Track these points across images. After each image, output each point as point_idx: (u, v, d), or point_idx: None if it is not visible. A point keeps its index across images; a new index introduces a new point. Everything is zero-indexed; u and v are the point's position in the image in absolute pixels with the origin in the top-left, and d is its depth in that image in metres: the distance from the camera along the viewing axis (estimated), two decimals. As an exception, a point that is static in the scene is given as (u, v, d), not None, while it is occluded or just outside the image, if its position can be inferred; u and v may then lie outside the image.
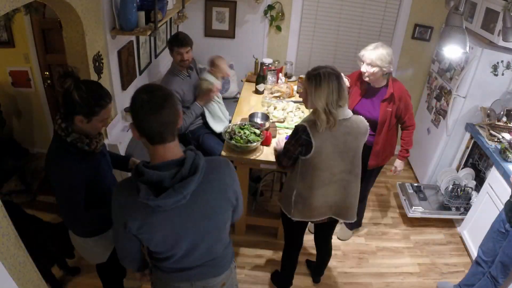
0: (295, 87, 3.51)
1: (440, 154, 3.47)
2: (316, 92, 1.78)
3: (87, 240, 1.80)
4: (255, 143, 2.54)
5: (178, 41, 2.81)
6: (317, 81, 1.77)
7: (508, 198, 2.31)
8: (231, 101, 3.66)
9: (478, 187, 3.09)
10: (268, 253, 2.92)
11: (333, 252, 2.56)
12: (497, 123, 3.03)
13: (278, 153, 2.13)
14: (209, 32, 3.81)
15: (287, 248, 2.43)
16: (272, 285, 2.69)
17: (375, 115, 2.48)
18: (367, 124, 1.96)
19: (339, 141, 1.86)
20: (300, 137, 1.86)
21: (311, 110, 1.90)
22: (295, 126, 1.92)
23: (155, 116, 1.14)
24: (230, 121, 3.13)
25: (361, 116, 1.98)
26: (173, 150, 1.22)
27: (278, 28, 3.75)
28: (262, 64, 3.49)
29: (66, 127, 1.53)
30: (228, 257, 1.52)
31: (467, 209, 3.12)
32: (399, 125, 2.66)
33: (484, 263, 2.44)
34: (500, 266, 2.27)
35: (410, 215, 3.22)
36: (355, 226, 3.15)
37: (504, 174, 2.61)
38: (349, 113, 1.88)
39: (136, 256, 1.44)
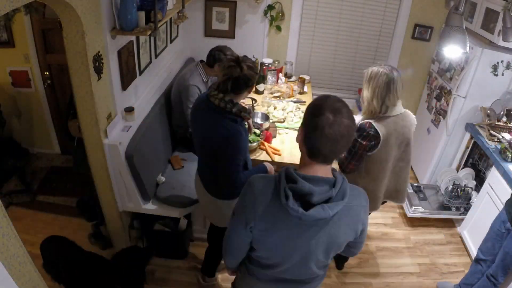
0: (295, 87, 3.51)
1: (440, 154, 3.47)
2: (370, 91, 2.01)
3: (229, 202, 2.03)
4: (255, 143, 2.54)
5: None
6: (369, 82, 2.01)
7: (509, 197, 2.31)
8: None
9: (478, 187, 3.09)
10: (268, 253, 2.92)
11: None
12: (497, 123, 3.03)
13: (343, 159, 2.15)
14: (209, 32, 3.81)
15: None
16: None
17: None
18: (414, 117, 2.16)
19: (399, 133, 2.05)
20: (368, 133, 2.00)
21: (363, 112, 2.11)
22: (359, 125, 2.02)
23: (331, 143, 1.11)
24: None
25: (409, 110, 2.15)
26: (326, 170, 1.20)
27: (278, 28, 3.75)
28: (262, 64, 3.49)
29: (230, 100, 1.82)
30: (321, 277, 1.47)
31: (467, 209, 3.12)
32: None
33: (483, 262, 2.45)
34: (501, 265, 2.28)
35: (410, 215, 3.22)
36: None
37: (504, 174, 2.61)
38: (401, 108, 2.08)
39: (243, 253, 1.40)
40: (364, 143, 2.02)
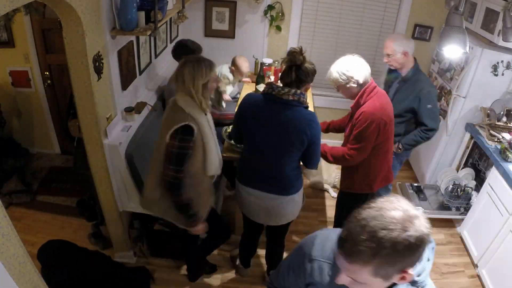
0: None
1: (440, 154, 3.47)
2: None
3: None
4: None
5: (191, 51, 2.76)
6: None
7: None
8: (231, 101, 3.66)
9: (478, 187, 3.09)
10: (268, 253, 2.92)
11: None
12: (497, 123, 3.03)
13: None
14: (209, 32, 3.81)
15: None
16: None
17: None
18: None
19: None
20: None
21: None
22: None
23: None
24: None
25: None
26: None
27: (278, 28, 3.75)
28: (262, 64, 3.49)
29: (301, 92, 1.91)
30: None
31: (467, 209, 3.12)
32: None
33: None
34: None
35: (410, 215, 3.21)
36: None
37: (504, 174, 2.61)
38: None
39: None
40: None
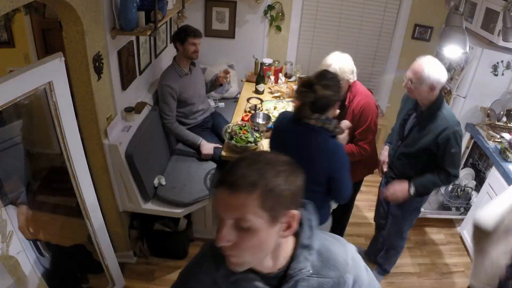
0: (295, 87, 3.51)
1: (440, 154, 3.47)
2: None
3: None
4: (253, 144, 2.54)
5: (192, 32, 2.80)
6: None
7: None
8: (231, 101, 3.66)
9: (478, 187, 3.09)
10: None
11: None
12: (497, 123, 3.03)
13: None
14: (209, 32, 3.81)
15: None
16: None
17: None
18: None
19: None
20: None
21: None
22: None
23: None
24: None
25: None
26: None
27: (278, 28, 3.75)
28: (262, 64, 3.49)
29: (327, 118, 1.77)
30: None
31: (467, 209, 3.12)
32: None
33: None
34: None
35: (410, 215, 3.22)
36: None
37: (504, 174, 2.61)
38: None
39: None
40: None
